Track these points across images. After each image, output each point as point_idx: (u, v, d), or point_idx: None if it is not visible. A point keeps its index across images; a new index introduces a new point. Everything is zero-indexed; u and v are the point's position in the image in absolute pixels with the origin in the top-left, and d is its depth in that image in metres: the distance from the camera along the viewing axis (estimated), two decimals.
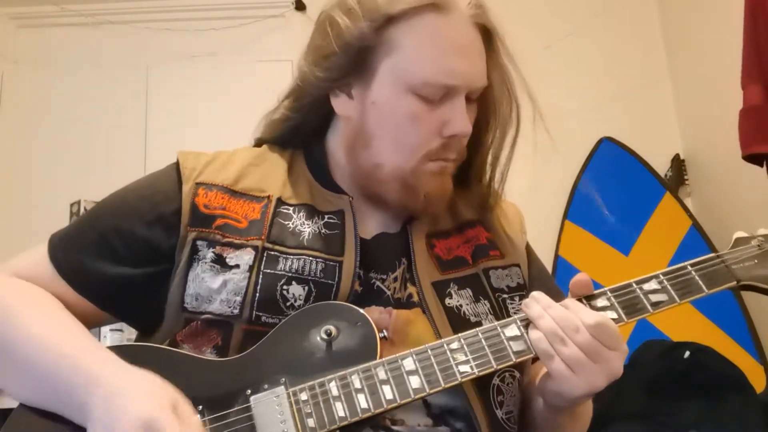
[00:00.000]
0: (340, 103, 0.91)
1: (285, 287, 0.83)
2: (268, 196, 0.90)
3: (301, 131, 0.98)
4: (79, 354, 0.76)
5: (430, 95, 0.85)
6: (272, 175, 0.93)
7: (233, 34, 2.86)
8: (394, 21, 0.85)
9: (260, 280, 0.83)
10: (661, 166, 2.73)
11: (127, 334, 2.03)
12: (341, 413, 0.74)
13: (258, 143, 1.01)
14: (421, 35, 0.85)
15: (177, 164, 0.92)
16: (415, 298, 0.88)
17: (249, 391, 0.76)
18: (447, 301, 0.88)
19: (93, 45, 2.92)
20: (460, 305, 0.88)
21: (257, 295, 0.83)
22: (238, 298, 0.82)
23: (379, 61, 0.86)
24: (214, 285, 0.83)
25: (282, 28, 2.88)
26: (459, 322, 0.85)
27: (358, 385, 0.75)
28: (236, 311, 0.82)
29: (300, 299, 0.83)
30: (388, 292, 0.87)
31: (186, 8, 2.97)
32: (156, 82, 2.90)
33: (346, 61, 0.87)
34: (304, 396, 0.75)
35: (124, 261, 0.87)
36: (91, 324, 0.89)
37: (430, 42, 0.85)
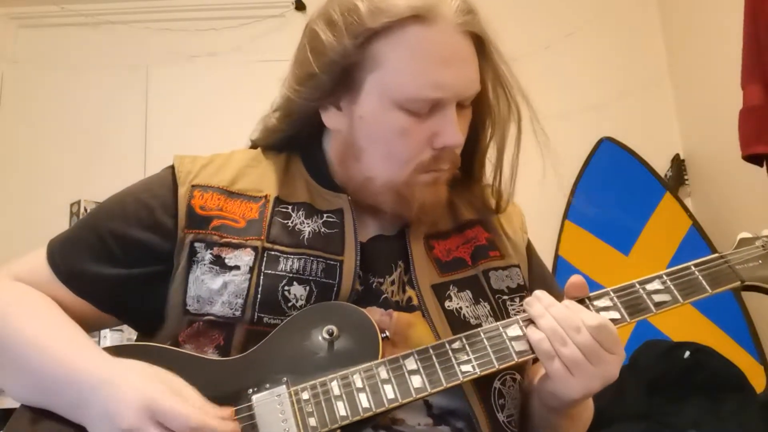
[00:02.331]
0: (329, 117, 0.90)
1: (286, 288, 0.83)
2: (266, 196, 0.90)
3: (296, 138, 0.97)
4: (72, 355, 0.77)
5: (417, 109, 0.83)
6: (269, 174, 0.93)
7: (233, 34, 2.86)
8: (377, 35, 0.82)
9: (261, 282, 0.83)
10: (661, 166, 2.73)
11: (127, 334, 2.03)
12: (343, 412, 0.74)
13: (253, 146, 1.01)
14: (404, 49, 0.82)
15: (172, 168, 0.92)
16: (415, 302, 0.87)
17: (251, 390, 0.76)
18: (447, 303, 0.87)
19: (93, 45, 2.92)
20: (460, 308, 0.88)
21: (259, 296, 0.82)
22: (240, 300, 0.82)
23: (364, 76, 0.84)
24: (215, 286, 0.83)
25: (282, 28, 2.88)
26: (459, 325, 0.85)
27: (359, 384, 0.75)
28: (238, 313, 0.82)
29: (301, 299, 0.83)
30: (387, 295, 0.87)
31: (186, 8, 2.97)
32: (156, 82, 2.90)
33: (330, 79, 0.85)
34: (305, 395, 0.75)
35: (122, 263, 0.87)
36: (93, 327, 0.90)
37: (414, 56, 0.82)
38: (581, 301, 0.81)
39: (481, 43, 0.87)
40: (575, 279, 0.82)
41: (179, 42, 2.87)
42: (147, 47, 2.89)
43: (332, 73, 0.84)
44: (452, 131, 0.84)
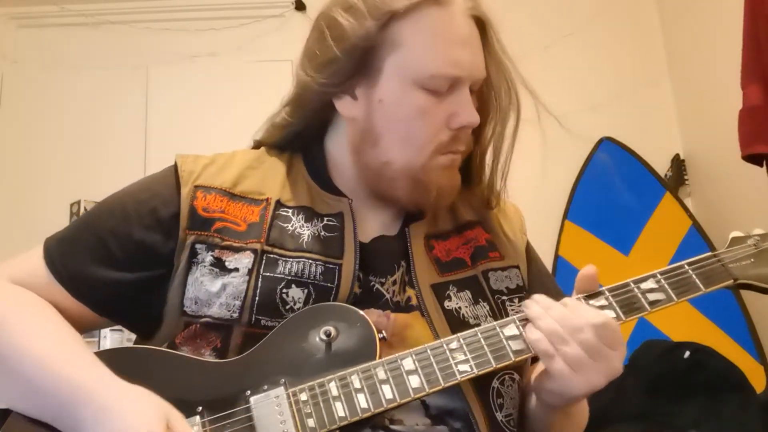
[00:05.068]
0: (344, 105, 0.90)
1: (284, 291, 0.83)
2: (267, 199, 0.90)
3: (301, 136, 0.97)
4: (71, 370, 0.75)
5: (437, 87, 0.85)
6: (271, 177, 0.93)
7: (233, 34, 2.87)
8: (397, 17, 0.85)
9: (260, 284, 0.83)
10: (661, 166, 2.73)
11: (127, 334, 2.03)
12: (341, 413, 0.74)
13: (256, 145, 1.01)
14: (424, 29, 0.85)
15: (175, 167, 0.92)
16: (414, 302, 0.87)
17: (249, 392, 0.76)
18: (446, 303, 0.88)
19: (93, 45, 2.92)
20: (459, 307, 0.88)
21: (257, 298, 0.82)
22: (238, 302, 0.82)
23: (383, 59, 0.86)
24: (213, 288, 0.83)
25: (282, 28, 2.89)
26: (458, 325, 0.85)
27: (357, 385, 0.75)
28: (235, 315, 0.82)
29: (299, 302, 0.83)
30: (388, 296, 0.87)
31: (186, 8, 2.97)
32: (156, 82, 2.90)
33: (351, 63, 0.86)
34: (303, 396, 0.75)
35: (121, 266, 0.86)
36: (89, 328, 0.89)
37: (434, 35, 0.85)
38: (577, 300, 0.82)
39: (483, 29, 0.90)
40: (587, 270, 0.83)
41: (179, 42, 2.87)
42: (147, 47, 2.89)
43: (353, 57, 0.86)
44: (469, 110, 0.87)
